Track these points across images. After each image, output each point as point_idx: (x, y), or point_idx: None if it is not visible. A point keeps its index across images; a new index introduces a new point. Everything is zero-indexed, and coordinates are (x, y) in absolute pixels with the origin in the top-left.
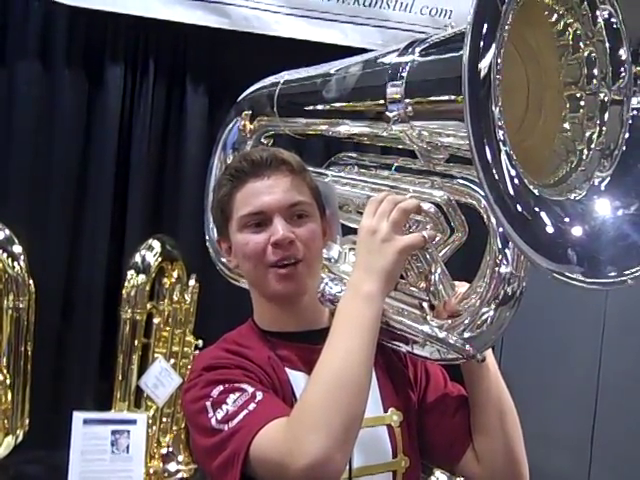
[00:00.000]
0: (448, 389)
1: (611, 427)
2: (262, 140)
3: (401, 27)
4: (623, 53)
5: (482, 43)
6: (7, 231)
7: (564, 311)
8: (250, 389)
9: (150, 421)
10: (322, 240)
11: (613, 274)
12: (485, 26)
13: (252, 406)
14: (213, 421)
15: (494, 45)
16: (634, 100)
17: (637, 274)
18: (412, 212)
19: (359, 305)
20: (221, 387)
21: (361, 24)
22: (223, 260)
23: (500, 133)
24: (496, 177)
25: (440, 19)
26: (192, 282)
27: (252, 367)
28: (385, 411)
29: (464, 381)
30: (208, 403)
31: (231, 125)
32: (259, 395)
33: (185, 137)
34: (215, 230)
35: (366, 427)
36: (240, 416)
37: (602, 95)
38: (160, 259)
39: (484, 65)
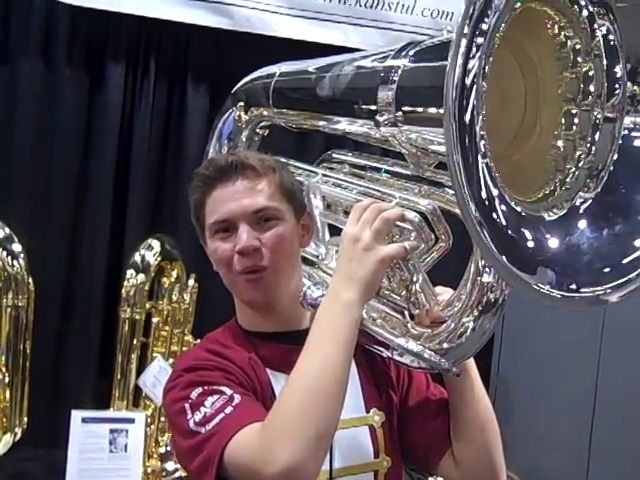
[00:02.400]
0: (430, 391)
1: (609, 430)
2: (257, 130)
3: (402, 29)
4: (619, 70)
5: (468, 53)
6: (7, 229)
7: (562, 314)
8: (229, 391)
9: (148, 420)
10: (296, 240)
11: (585, 290)
12: (473, 35)
13: (229, 409)
14: (191, 423)
15: (480, 56)
16: (627, 120)
17: (607, 292)
18: (395, 221)
19: (338, 313)
20: (200, 389)
21: (362, 25)
22: None
23: (482, 144)
24: (474, 190)
25: (442, 21)
26: (191, 282)
27: (232, 369)
28: (367, 411)
29: (445, 388)
30: (187, 405)
31: (226, 115)
32: (237, 398)
33: (186, 137)
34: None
35: (348, 427)
36: (217, 419)
37: (596, 113)
38: (160, 259)
39: (468, 76)
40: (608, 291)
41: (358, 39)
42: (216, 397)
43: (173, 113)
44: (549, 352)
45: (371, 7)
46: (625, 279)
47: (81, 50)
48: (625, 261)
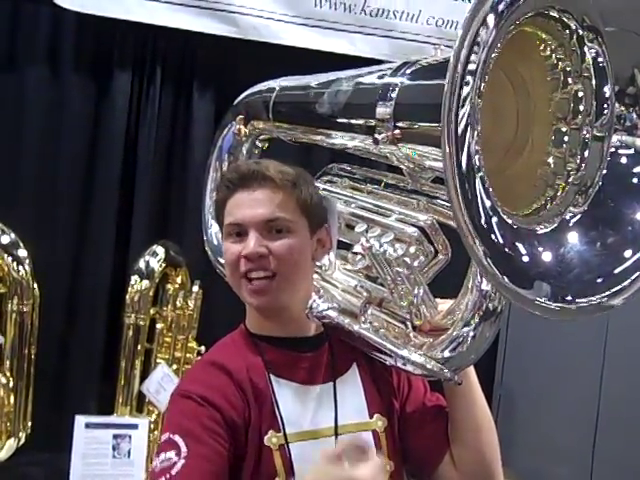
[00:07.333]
0: (427, 398)
1: (612, 439)
2: (257, 144)
3: (408, 37)
4: (607, 91)
5: (464, 73)
6: (13, 235)
7: (566, 324)
8: (184, 449)
9: (152, 426)
10: (308, 253)
11: (572, 301)
12: (470, 56)
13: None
14: (153, 462)
15: (476, 76)
16: (614, 138)
17: (594, 303)
18: None
19: None
20: (167, 435)
21: (369, 34)
22: (221, 261)
23: (476, 158)
24: (469, 203)
25: (446, 30)
26: (196, 288)
27: (217, 408)
28: (370, 417)
29: (444, 392)
30: (159, 442)
31: (226, 130)
32: (178, 466)
33: (191, 144)
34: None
35: (352, 433)
36: None
37: (585, 132)
38: (164, 265)
39: (464, 95)
40: (604, 299)
41: (365, 47)
42: (168, 455)
43: (179, 120)
44: (552, 361)
45: (377, 15)
46: (618, 287)
47: (88, 58)
48: (616, 271)
